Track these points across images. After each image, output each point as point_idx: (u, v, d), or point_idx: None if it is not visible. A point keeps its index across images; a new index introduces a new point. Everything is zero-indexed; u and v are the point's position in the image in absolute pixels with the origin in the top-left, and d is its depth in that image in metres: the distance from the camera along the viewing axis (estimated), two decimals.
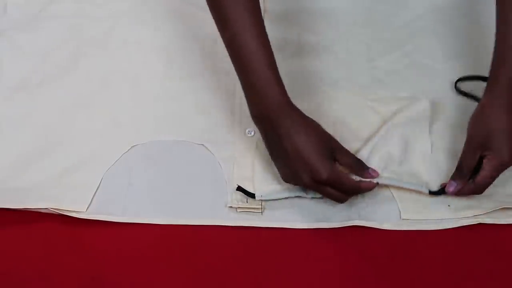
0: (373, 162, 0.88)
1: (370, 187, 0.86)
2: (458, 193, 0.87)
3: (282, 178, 0.86)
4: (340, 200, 0.85)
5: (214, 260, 0.83)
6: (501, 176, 0.89)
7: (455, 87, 0.98)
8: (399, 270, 0.83)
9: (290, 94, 0.93)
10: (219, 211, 0.88)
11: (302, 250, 0.85)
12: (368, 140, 0.92)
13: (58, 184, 0.89)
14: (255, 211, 0.87)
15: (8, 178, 0.90)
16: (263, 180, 0.89)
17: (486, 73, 0.86)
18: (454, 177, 0.87)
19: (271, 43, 0.99)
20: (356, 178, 0.85)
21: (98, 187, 0.89)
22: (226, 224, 0.86)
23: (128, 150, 0.93)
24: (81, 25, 1.07)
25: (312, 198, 0.88)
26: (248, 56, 0.83)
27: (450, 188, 0.86)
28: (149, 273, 0.82)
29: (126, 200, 0.88)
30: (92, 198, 0.88)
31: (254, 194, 0.87)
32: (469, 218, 0.87)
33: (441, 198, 0.88)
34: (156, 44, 1.05)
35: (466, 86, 0.98)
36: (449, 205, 0.88)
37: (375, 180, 0.86)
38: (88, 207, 0.87)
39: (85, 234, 0.85)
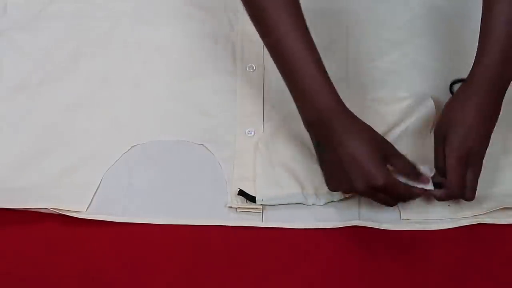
0: None
1: (421, 194, 0.83)
2: (440, 199, 0.84)
3: (329, 186, 0.83)
4: (390, 204, 0.83)
5: (214, 260, 0.83)
6: (501, 176, 0.90)
7: (450, 89, 0.98)
8: (399, 270, 0.83)
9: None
10: (219, 211, 0.88)
11: (302, 250, 0.85)
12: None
13: (58, 184, 0.89)
14: (255, 211, 0.87)
15: (8, 178, 0.90)
16: (265, 183, 0.89)
17: None
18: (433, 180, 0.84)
19: None
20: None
21: (98, 187, 0.89)
22: (226, 224, 0.86)
23: (128, 150, 0.93)
24: (81, 25, 1.07)
25: (313, 205, 0.87)
26: (295, 61, 0.80)
27: (438, 192, 0.83)
28: (149, 273, 0.82)
29: (126, 200, 0.88)
30: (92, 198, 0.88)
31: (255, 198, 0.87)
32: (469, 218, 0.87)
33: None
34: (156, 44, 1.05)
35: None
36: (449, 205, 0.88)
37: (427, 187, 0.83)
38: (88, 207, 0.87)
39: (85, 234, 0.85)
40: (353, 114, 0.82)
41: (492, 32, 0.82)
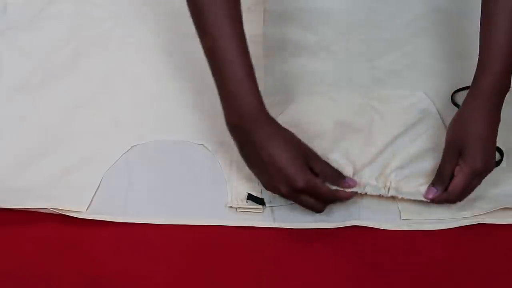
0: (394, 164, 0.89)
1: (348, 197, 0.85)
2: (434, 201, 0.86)
3: (263, 186, 0.84)
4: (317, 209, 0.84)
5: (214, 260, 0.83)
6: (500, 176, 0.90)
7: (452, 100, 0.98)
8: (399, 270, 0.83)
9: (290, 94, 0.93)
10: (219, 211, 0.88)
11: (302, 250, 0.85)
12: (386, 145, 0.92)
13: (58, 184, 0.89)
14: (255, 211, 0.87)
15: (8, 178, 0.90)
16: None
17: None
18: (434, 183, 0.86)
19: (270, 43, 0.99)
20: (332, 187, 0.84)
21: (98, 187, 0.89)
22: (226, 224, 0.86)
23: (128, 150, 0.93)
24: (81, 25, 1.07)
25: None
26: (227, 64, 0.82)
27: (429, 195, 0.85)
28: (149, 273, 0.82)
29: (126, 200, 0.88)
30: (92, 198, 0.88)
31: (263, 200, 0.87)
32: (469, 218, 0.87)
33: None
34: (156, 44, 1.05)
35: (463, 96, 0.98)
36: (448, 205, 0.88)
37: (353, 190, 0.84)
38: (88, 207, 0.87)
39: (85, 234, 0.85)
40: (275, 120, 0.83)
41: (496, 41, 0.83)
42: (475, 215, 0.87)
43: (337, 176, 0.84)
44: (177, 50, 1.04)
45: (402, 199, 0.87)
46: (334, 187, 0.84)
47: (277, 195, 0.84)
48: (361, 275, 0.83)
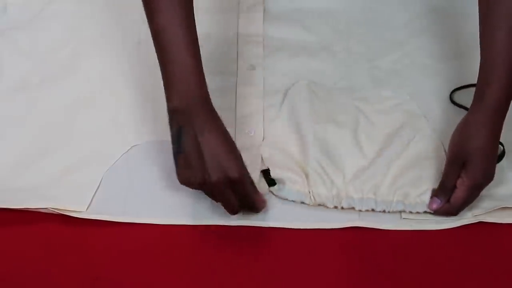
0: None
1: (261, 207, 0.85)
2: (436, 212, 0.86)
3: (179, 177, 0.83)
4: (233, 209, 0.84)
5: (214, 260, 0.83)
6: (501, 176, 0.90)
7: (450, 99, 0.98)
8: (399, 270, 0.83)
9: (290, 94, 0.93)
10: (219, 211, 0.87)
11: (302, 250, 0.85)
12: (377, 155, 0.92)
13: (58, 184, 0.89)
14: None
15: (8, 178, 0.90)
16: (282, 175, 0.89)
17: None
18: (437, 194, 0.86)
19: (270, 43, 0.99)
20: None
21: (98, 187, 0.89)
22: (226, 224, 0.86)
23: (128, 150, 0.93)
24: (81, 25, 1.07)
25: (314, 205, 0.88)
26: (172, 48, 0.81)
27: (433, 205, 0.86)
28: (149, 273, 0.82)
29: (126, 200, 0.88)
30: (92, 198, 0.88)
31: (273, 182, 0.88)
32: (469, 217, 0.87)
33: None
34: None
35: (462, 94, 0.98)
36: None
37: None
38: (88, 207, 0.87)
39: (85, 234, 0.85)
40: (215, 111, 0.83)
41: (498, 53, 0.83)
42: (475, 215, 0.87)
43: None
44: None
45: (401, 199, 0.87)
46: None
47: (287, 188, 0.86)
48: (361, 275, 0.83)
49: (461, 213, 0.87)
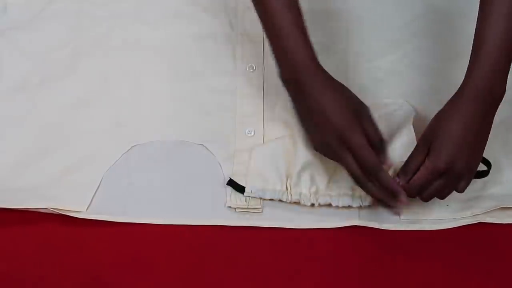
0: None
1: (388, 185, 0.81)
2: (393, 187, 0.82)
3: (313, 146, 0.84)
4: (357, 175, 0.81)
5: (214, 260, 0.83)
6: (500, 176, 0.90)
7: None
8: (399, 270, 0.83)
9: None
10: (219, 211, 0.88)
11: (302, 250, 0.85)
12: None
13: (58, 184, 0.89)
14: (255, 211, 0.88)
15: (8, 178, 0.90)
16: (255, 176, 0.89)
17: None
18: (398, 174, 0.83)
19: None
20: None
21: (98, 187, 0.89)
22: (226, 224, 0.86)
23: (128, 150, 0.93)
24: (81, 25, 1.06)
25: (291, 203, 0.88)
26: (279, 22, 0.83)
27: (393, 183, 0.82)
28: (149, 273, 0.82)
29: (126, 200, 0.88)
30: (92, 198, 0.88)
31: (244, 188, 0.88)
32: (469, 217, 0.87)
33: None
34: (156, 44, 1.04)
35: None
36: (447, 205, 0.88)
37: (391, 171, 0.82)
38: (88, 207, 0.87)
39: (85, 234, 0.85)
40: (329, 75, 0.84)
41: (485, 44, 0.81)
42: (474, 215, 0.87)
43: (382, 148, 0.82)
44: (177, 50, 1.04)
45: None
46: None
47: (260, 187, 0.86)
48: (361, 275, 0.83)
49: (460, 213, 0.87)
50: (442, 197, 0.84)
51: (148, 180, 0.90)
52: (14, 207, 0.86)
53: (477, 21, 0.84)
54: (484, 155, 0.91)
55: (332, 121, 0.80)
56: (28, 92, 0.99)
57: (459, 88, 0.84)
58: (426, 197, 0.84)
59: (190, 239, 0.85)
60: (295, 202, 0.88)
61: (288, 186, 0.88)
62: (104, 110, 0.97)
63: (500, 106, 0.84)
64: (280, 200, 0.88)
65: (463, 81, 0.83)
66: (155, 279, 0.82)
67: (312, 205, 0.87)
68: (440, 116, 0.83)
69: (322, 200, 0.87)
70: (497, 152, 0.92)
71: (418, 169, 0.82)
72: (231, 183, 0.88)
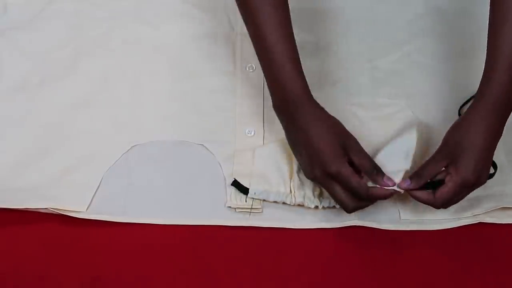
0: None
1: (383, 195, 0.82)
2: (414, 195, 0.83)
3: (304, 173, 0.84)
4: (346, 204, 0.82)
5: (214, 260, 0.83)
6: (500, 175, 0.90)
7: (459, 113, 0.97)
8: (399, 270, 0.83)
9: None
10: (219, 211, 0.88)
11: (302, 250, 0.85)
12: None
13: (58, 184, 0.89)
14: (255, 211, 0.88)
15: (8, 178, 0.90)
16: (259, 178, 0.89)
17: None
18: (411, 177, 0.83)
19: None
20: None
21: (98, 187, 0.89)
22: (226, 224, 0.86)
23: (128, 150, 0.93)
24: (81, 25, 1.07)
25: (294, 205, 0.87)
26: (270, 48, 0.84)
27: (403, 184, 0.82)
28: (149, 273, 0.82)
29: (126, 200, 0.88)
30: (92, 198, 0.88)
31: (248, 190, 0.87)
32: (469, 217, 0.87)
33: None
34: (156, 44, 1.05)
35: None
36: None
37: (391, 188, 0.82)
38: (88, 207, 0.87)
39: (85, 234, 0.85)
40: (320, 105, 0.84)
41: (502, 50, 0.81)
42: (475, 215, 0.87)
43: (376, 173, 0.82)
44: (177, 50, 1.04)
45: (402, 199, 0.87)
46: (371, 185, 0.82)
47: (263, 190, 0.86)
48: (361, 275, 0.83)
49: (460, 213, 0.87)
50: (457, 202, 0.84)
51: (148, 180, 0.90)
52: (14, 207, 0.86)
53: (490, 29, 0.83)
54: None
55: (319, 154, 0.80)
56: (28, 92, 0.99)
57: (476, 98, 0.83)
58: (446, 208, 0.84)
59: (190, 239, 0.85)
60: (298, 205, 0.88)
61: (292, 189, 0.88)
62: (104, 110, 0.97)
63: None
64: (284, 203, 0.88)
65: (480, 90, 0.83)
66: (155, 279, 0.82)
67: (316, 207, 0.87)
68: (461, 127, 0.83)
69: (325, 203, 0.87)
70: (497, 152, 0.92)
71: (432, 177, 0.82)
72: (236, 184, 0.88)
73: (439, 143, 0.84)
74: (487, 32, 0.84)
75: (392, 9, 1.10)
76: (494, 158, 0.88)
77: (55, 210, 0.86)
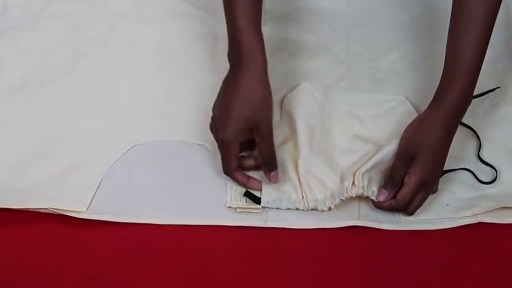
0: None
1: (254, 187, 0.87)
2: (380, 206, 0.86)
3: (210, 122, 0.87)
4: (224, 168, 0.87)
5: (213, 260, 0.83)
6: (500, 176, 0.90)
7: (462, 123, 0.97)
8: (399, 270, 0.83)
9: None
10: (219, 211, 0.88)
11: (302, 250, 0.85)
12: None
13: (58, 184, 0.89)
14: (255, 211, 0.87)
15: (8, 178, 0.90)
16: (270, 186, 0.88)
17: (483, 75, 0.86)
18: (385, 186, 0.86)
19: (271, 43, 0.98)
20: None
21: (98, 187, 0.89)
22: (226, 224, 0.86)
23: (128, 150, 0.93)
24: (81, 25, 1.07)
25: (308, 210, 0.87)
26: (237, 16, 0.85)
27: (381, 197, 0.86)
28: (149, 273, 0.82)
29: (126, 200, 0.88)
30: (92, 198, 0.88)
31: (259, 199, 0.87)
32: (469, 217, 0.87)
33: (439, 198, 0.88)
34: (156, 44, 1.05)
35: None
36: (447, 204, 0.88)
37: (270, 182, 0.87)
38: (88, 207, 0.87)
39: (85, 234, 0.85)
40: (266, 76, 0.85)
41: (461, 50, 0.84)
42: (475, 214, 0.87)
43: (268, 164, 0.86)
44: (177, 50, 1.04)
45: None
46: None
47: (276, 198, 0.87)
48: (361, 275, 0.83)
49: (460, 213, 0.87)
50: (420, 205, 0.86)
51: (148, 180, 0.90)
52: (14, 207, 0.86)
53: (450, 36, 0.86)
54: (485, 156, 0.92)
55: (223, 115, 0.84)
56: (28, 92, 0.99)
57: (436, 97, 0.86)
58: (412, 211, 0.86)
59: (190, 239, 0.85)
60: (312, 209, 0.88)
61: (304, 194, 0.88)
62: (104, 110, 0.97)
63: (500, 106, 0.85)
64: (297, 209, 0.88)
65: (440, 90, 0.85)
66: (155, 279, 0.82)
67: (330, 208, 0.87)
68: (417, 129, 0.86)
69: (337, 201, 0.87)
70: (497, 152, 0.92)
71: (401, 180, 0.85)
72: (248, 194, 0.88)
73: None
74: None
75: (392, 9, 1.10)
76: (494, 158, 0.88)
77: (55, 210, 0.86)
